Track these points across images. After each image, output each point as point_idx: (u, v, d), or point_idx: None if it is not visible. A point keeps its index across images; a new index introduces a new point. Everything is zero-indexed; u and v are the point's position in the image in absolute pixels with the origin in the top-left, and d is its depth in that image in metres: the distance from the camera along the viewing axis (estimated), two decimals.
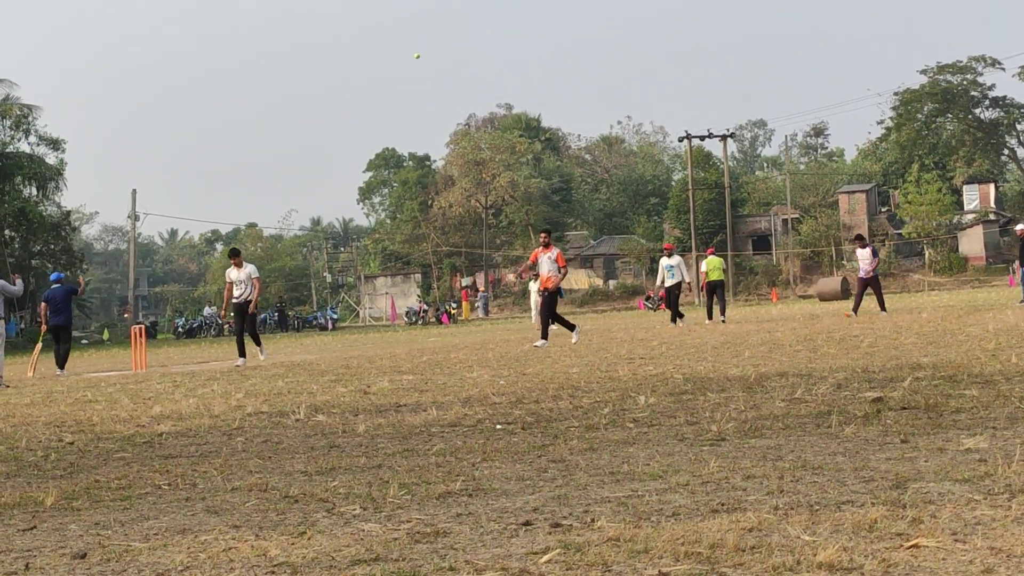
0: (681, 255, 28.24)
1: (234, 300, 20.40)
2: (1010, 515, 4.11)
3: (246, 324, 20.61)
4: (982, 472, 4.98)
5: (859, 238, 28.05)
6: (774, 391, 9.07)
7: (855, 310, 26.05)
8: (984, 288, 56.87)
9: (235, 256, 20.99)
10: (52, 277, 23.08)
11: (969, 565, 3.47)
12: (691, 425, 7.25)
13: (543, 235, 21.88)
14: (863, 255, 26.78)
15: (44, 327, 22.89)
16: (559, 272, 20.74)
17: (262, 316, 75.03)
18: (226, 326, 71.35)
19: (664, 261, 28.00)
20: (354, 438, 7.65)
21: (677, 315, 27.92)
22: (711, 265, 29.21)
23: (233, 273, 20.54)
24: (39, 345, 24.74)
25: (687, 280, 28.40)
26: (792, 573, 3.48)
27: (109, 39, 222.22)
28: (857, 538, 3.89)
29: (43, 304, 22.76)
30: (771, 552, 3.74)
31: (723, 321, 28.00)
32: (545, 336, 20.35)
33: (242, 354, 20.49)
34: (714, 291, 29.34)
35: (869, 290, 27.13)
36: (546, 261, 20.82)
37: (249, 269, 20.52)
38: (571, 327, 21.20)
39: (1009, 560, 3.51)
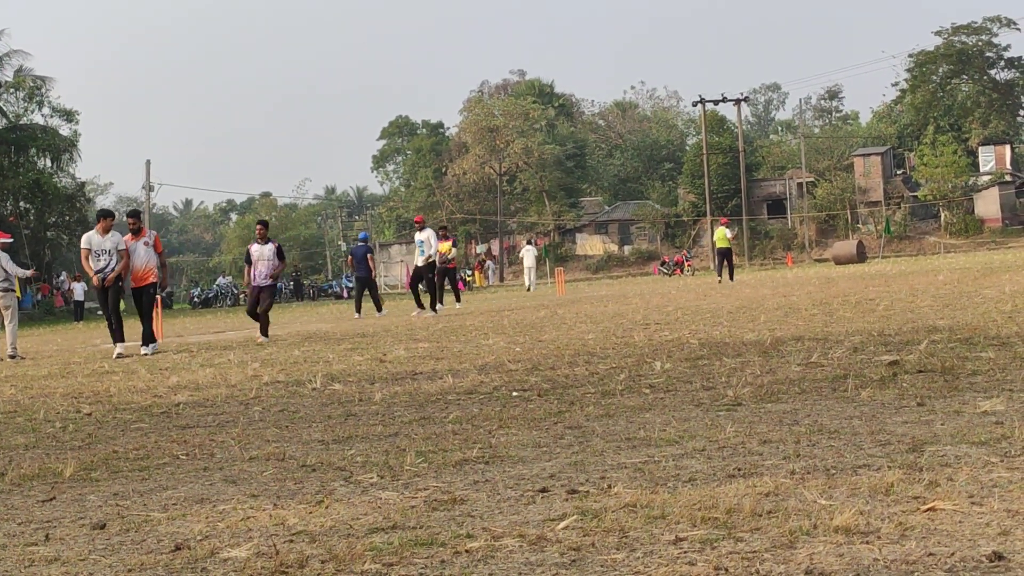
0: (448, 232, 24.44)
1: (97, 273, 16.00)
2: None
3: (110, 303, 16.20)
4: (999, 435, 4.97)
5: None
6: (790, 355, 9.06)
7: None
8: (1000, 250, 56.64)
9: (106, 218, 16.44)
10: (360, 236, 25.87)
11: (986, 528, 3.47)
12: (707, 390, 7.26)
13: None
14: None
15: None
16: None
17: (278, 285, 74.92)
18: (242, 296, 71.52)
19: (416, 236, 24.66)
20: (371, 406, 7.67)
21: (419, 303, 24.28)
22: (718, 235, 35.06)
23: (96, 239, 16.10)
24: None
25: (438, 258, 24.17)
26: (809, 537, 3.49)
27: (123, 10, 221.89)
28: (874, 502, 3.89)
29: (348, 257, 25.20)
30: (788, 516, 3.74)
31: (724, 280, 33.35)
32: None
33: (120, 339, 16.00)
34: (723, 257, 34.71)
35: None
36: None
37: (116, 239, 16.14)
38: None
39: None
